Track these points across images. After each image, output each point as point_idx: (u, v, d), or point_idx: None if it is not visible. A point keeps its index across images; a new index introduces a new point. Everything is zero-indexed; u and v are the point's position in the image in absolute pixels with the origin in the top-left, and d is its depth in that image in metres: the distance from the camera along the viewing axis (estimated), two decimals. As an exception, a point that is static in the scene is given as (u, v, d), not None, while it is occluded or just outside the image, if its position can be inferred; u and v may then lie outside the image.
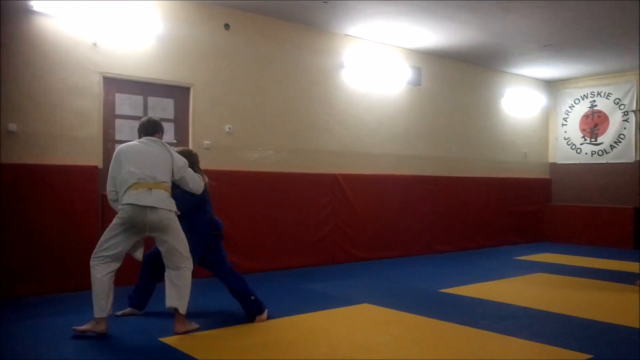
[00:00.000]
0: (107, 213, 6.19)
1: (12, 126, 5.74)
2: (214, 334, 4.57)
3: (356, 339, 4.46)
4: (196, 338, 4.44)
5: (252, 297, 4.88)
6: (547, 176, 12.08)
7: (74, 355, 4.02)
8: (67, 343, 4.26)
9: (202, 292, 5.47)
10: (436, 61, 9.87)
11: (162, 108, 6.80)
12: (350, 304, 5.60)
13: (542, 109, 12.05)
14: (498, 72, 11.10)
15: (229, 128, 7.25)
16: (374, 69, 8.84)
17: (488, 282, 6.96)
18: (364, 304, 5.63)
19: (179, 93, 6.93)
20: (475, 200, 10.36)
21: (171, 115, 6.88)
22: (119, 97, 6.48)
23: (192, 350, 4.09)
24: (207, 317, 4.97)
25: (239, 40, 7.39)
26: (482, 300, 5.91)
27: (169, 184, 4.55)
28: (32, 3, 5.81)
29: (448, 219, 9.87)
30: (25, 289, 5.72)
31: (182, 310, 4.50)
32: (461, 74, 10.37)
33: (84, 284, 5.96)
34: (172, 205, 4.51)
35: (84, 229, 6.06)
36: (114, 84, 6.44)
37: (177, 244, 4.50)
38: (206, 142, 7.02)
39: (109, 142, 6.40)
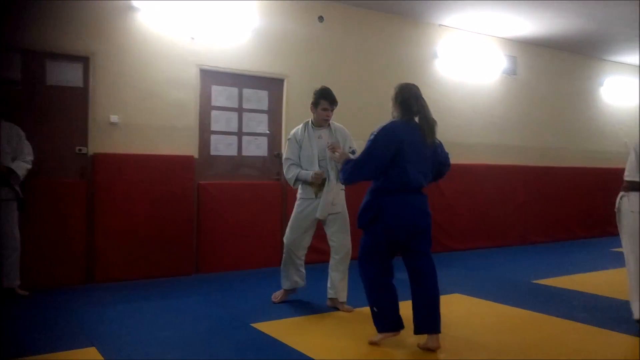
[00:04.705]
0: (202, 201, 5.96)
1: (114, 118, 5.53)
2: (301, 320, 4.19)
3: (448, 329, 3.92)
4: (288, 323, 4.13)
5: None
6: None
7: (167, 337, 3.77)
8: (161, 327, 4.00)
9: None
10: (532, 50, 8.93)
11: (256, 100, 6.42)
12: (442, 294, 4.97)
13: (644, 97, 10.73)
14: (597, 60, 9.93)
15: (322, 119, 6.78)
16: (468, 59, 8.07)
17: (585, 274, 6.22)
18: (456, 294, 5.10)
19: (273, 85, 6.52)
20: (572, 190, 9.32)
21: (265, 107, 6.48)
22: (215, 89, 6.16)
23: (281, 336, 3.78)
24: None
25: (332, 32, 6.89)
26: (578, 292, 5.28)
27: None
28: (133, 2, 5.59)
29: (544, 210, 8.92)
30: (121, 273, 5.51)
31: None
32: (558, 63, 9.34)
33: (179, 269, 5.80)
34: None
35: (181, 216, 5.81)
36: (211, 77, 6.12)
37: None
38: (299, 132, 6.60)
39: (205, 132, 6.09)
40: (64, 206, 5.28)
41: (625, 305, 4.66)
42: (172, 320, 4.21)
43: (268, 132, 6.48)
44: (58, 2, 5.27)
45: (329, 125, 4.55)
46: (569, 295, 5.19)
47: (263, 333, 3.87)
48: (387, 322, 3.60)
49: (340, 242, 4.48)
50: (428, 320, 3.50)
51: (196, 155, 5.97)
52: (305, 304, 4.53)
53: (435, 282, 3.57)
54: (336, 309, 4.48)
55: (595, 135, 9.98)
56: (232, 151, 6.26)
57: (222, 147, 6.17)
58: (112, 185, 5.47)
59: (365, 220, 3.58)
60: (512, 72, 8.67)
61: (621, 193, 4.40)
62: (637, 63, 10.34)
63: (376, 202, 3.54)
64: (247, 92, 6.35)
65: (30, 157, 4.90)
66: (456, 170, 7.85)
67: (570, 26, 7.89)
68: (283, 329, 3.97)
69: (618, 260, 7.00)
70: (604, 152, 10.05)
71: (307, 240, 4.58)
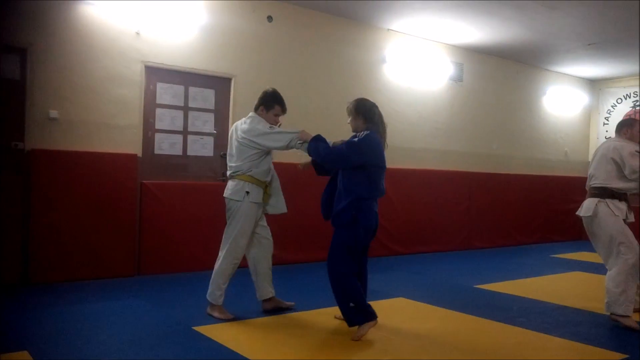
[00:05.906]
0: (145, 201, 5.86)
1: (54, 113, 5.38)
2: (245, 324, 4.20)
3: (390, 332, 4.07)
4: (229, 327, 4.10)
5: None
6: (587, 175, 11.22)
7: (104, 341, 3.69)
8: (98, 330, 3.92)
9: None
10: (478, 58, 9.21)
11: (203, 98, 6.37)
12: (386, 298, 5.15)
13: (583, 107, 11.22)
14: (540, 70, 10.35)
15: (270, 120, 6.78)
16: (416, 64, 8.26)
17: (525, 279, 6.47)
18: (400, 298, 5.22)
19: (220, 84, 6.49)
20: (514, 197, 9.66)
21: (212, 106, 6.45)
22: (160, 87, 6.08)
23: (223, 339, 3.78)
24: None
25: (281, 32, 6.92)
26: (518, 297, 5.47)
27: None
28: (76, -8, 5.46)
29: (487, 216, 9.21)
30: (58, 274, 5.37)
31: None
32: (503, 71, 9.68)
33: (120, 270, 5.70)
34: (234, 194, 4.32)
35: (123, 216, 5.70)
36: (156, 73, 6.04)
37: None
38: (246, 133, 6.57)
39: (149, 131, 6.01)
40: (-3, 203, 5.10)
41: (563, 310, 4.90)
42: (111, 323, 4.12)
43: (214, 131, 6.44)
44: (-5, -10, 5.11)
45: None
46: (509, 300, 5.36)
47: (205, 337, 3.83)
48: (368, 312, 3.92)
49: (270, 237, 4.57)
50: None
51: (140, 154, 5.88)
52: (249, 307, 4.52)
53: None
54: (279, 310, 4.48)
55: (537, 144, 10.37)
56: (177, 150, 6.19)
57: (166, 146, 6.10)
58: (50, 183, 5.32)
59: (344, 221, 3.94)
60: (458, 79, 8.91)
61: (594, 199, 4.60)
62: (577, 74, 10.81)
63: (355, 206, 3.92)
64: (193, 90, 6.30)
65: None
66: (401, 175, 8.09)
67: (515, 35, 8.19)
68: (226, 333, 3.95)
69: (557, 267, 7.42)
70: (545, 160, 10.46)
71: None
